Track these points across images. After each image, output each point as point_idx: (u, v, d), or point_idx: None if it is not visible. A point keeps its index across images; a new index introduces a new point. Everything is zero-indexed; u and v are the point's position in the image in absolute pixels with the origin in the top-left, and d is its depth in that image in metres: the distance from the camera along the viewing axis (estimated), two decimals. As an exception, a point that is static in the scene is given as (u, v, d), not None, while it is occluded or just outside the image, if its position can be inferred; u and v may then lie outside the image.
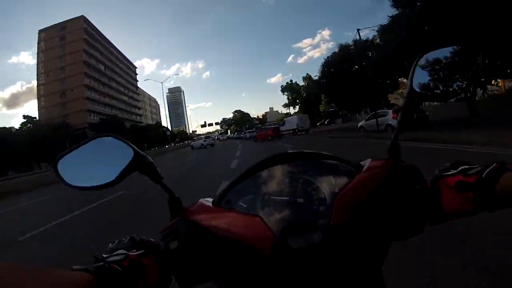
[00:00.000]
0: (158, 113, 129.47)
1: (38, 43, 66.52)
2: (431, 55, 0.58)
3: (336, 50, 29.48)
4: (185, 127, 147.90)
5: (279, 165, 0.62)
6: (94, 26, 71.29)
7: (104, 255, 0.46)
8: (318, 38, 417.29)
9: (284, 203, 0.54)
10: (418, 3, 14.28)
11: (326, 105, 56.16)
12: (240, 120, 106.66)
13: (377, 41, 24.34)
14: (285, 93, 69.36)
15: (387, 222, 0.50)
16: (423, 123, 14.12)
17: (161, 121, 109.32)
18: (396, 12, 16.56)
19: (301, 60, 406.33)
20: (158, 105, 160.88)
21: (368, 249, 0.49)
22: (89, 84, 63.37)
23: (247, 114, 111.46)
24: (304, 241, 0.46)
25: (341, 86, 26.69)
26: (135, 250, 0.48)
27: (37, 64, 65.74)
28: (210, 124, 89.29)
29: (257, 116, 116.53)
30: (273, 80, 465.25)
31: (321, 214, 0.50)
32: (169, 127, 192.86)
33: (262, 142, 27.84)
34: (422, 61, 0.58)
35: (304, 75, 67.82)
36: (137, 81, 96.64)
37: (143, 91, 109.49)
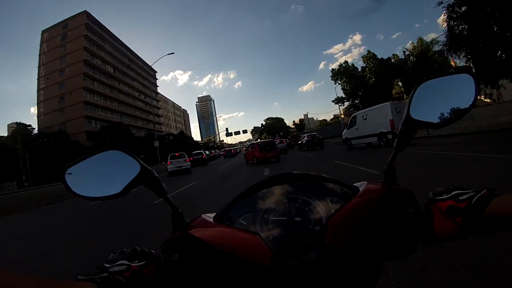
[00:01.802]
0: (183, 122, 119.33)
1: (40, 44, 58.31)
2: (429, 84, 0.60)
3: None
4: (214, 137, 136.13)
5: (278, 185, 0.64)
6: (100, 23, 61.80)
7: (107, 265, 0.48)
8: (349, 43, 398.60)
9: (282, 222, 0.56)
10: None
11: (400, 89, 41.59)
12: (272, 126, 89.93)
13: None
14: (338, 80, 52.18)
15: (380, 243, 0.51)
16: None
17: (186, 131, 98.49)
18: None
19: (333, 67, 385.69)
20: (185, 113, 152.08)
21: (362, 269, 0.51)
22: (90, 86, 53.07)
23: (280, 119, 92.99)
24: (300, 259, 0.48)
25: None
26: (136, 261, 0.50)
27: (38, 67, 57.13)
28: (237, 133, 74.29)
29: (294, 122, 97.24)
30: (305, 88, 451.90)
31: (316, 234, 0.52)
32: (200, 137, 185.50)
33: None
34: (420, 89, 0.59)
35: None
36: (157, 86, 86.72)
37: (166, 98, 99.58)
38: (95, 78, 55.04)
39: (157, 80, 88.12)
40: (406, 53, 36.89)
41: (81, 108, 50.79)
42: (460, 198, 0.48)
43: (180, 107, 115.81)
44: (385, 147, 14.39)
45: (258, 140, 23.32)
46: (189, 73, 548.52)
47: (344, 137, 18.82)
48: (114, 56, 63.31)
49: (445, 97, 0.59)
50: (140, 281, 0.48)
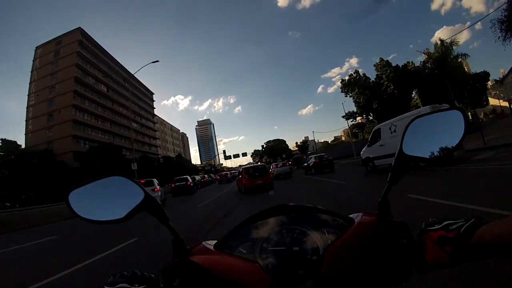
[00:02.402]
0: (181, 145, 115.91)
1: (33, 60, 55.89)
2: (421, 120, 0.62)
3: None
4: (214, 161, 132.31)
5: (277, 216, 0.66)
6: (94, 41, 59.82)
7: (106, 287, 0.49)
8: (346, 66, 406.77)
9: (280, 252, 0.58)
10: None
11: (419, 100, 37.79)
12: (273, 149, 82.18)
13: None
14: (349, 92, 46.68)
15: (375, 273, 0.53)
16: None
17: (186, 154, 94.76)
18: None
19: (331, 90, 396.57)
20: (184, 137, 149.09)
21: None
22: (81, 105, 50.00)
23: (282, 141, 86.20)
24: (297, 287, 0.50)
25: None
26: (137, 285, 0.51)
27: (29, 84, 54.33)
28: (237, 156, 69.69)
29: (296, 143, 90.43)
30: (304, 111, 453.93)
31: (313, 263, 0.54)
32: (199, 161, 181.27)
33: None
34: (412, 125, 0.62)
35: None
36: (153, 108, 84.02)
37: (164, 120, 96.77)
38: (86, 97, 52.13)
39: (154, 102, 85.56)
40: (423, 58, 33.80)
41: (69, 126, 47.39)
42: (450, 228, 0.50)
43: (179, 130, 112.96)
44: (424, 166, 9.95)
45: (240, 165, 18.78)
46: (190, 97, 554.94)
47: (363, 157, 14.71)
48: (107, 74, 60.82)
49: (436, 133, 0.60)
50: None
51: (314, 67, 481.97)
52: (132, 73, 70.49)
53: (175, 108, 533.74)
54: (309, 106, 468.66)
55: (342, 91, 47.58)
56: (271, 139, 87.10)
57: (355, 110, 47.66)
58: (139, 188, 0.60)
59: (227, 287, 0.49)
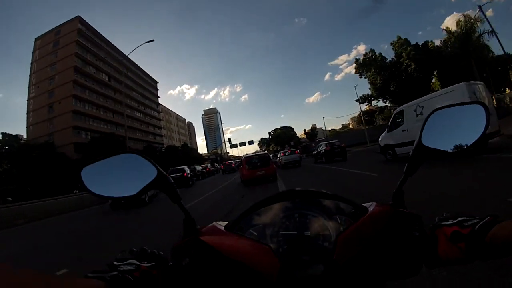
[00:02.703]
0: (187, 135, 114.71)
1: (32, 52, 54.60)
2: (441, 112, 0.61)
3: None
4: (221, 149, 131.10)
5: (291, 200, 0.66)
6: (94, 29, 58.02)
7: (116, 263, 0.48)
8: (354, 53, 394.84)
9: (292, 236, 0.58)
10: None
11: (438, 83, 34.05)
12: (281, 136, 77.94)
13: None
14: (364, 73, 41.84)
15: (385, 263, 0.52)
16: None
17: (192, 143, 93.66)
18: None
19: (338, 77, 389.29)
20: (191, 126, 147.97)
21: (365, 285, 0.51)
22: (81, 95, 48.69)
23: (290, 128, 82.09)
24: (308, 272, 0.49)
25: None
26: (146, 262, 0.50)
27: (29, 76, 53.16)
28: (243, 144, 67.60)
29: (305, 130, 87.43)
30: (312, 99, 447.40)
31: (325, 249, 0.54)
32: (206, 150, 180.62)
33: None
34: (432, 117, 0.61)
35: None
36: (158, 97, 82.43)
37: (169, 110, 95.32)
38: (86, 86, 50.76)
39: (158, 91, 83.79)
40: (443, 37, 30.79)
41: (69, 117, 46.24)
42: (465, 224, 0.49)
43: (185, 119, 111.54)
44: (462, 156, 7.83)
45: (246, 153, 16.70)
46: (196, 87, 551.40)
47: (382, 144, 12.68)
48: (109, 64, 59.25)
49: (457, 126, 0.59)
50: (149, 281, 0.48)
51: (321, 54, 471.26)
52: (131, 59, 68.77)
53: (181, 97, 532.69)
54: (316, 94, 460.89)
55: (356, 72, 43.18)
56: (278, 127, 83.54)
57: (369, 93, 43.76)
58: (153, 166, 0.60)
59: (236, 268, 0.49)
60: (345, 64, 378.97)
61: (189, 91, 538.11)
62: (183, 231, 0.59)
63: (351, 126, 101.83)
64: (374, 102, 45.58)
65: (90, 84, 51.62)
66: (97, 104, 52.41)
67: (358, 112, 50.44)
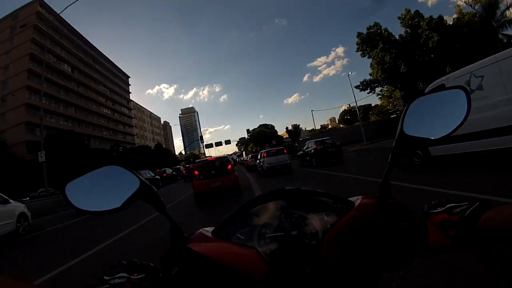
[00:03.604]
0: (162, 134, 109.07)
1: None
2: (423, 100, 0.61)
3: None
4: (199, 151, 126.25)
5: (275, 200, 0.65)
6: (57, 14, 51.57)
7: (106, 277, 0.49)
8: (332, 55, 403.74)
9: (279, 237, 0.58)
10: None
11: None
12: (261, 135, 69.54)
13: None
14: (368, 51, 34.15)
15: (376, 256, 0.52)
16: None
17: (169, 144, 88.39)
18: None
19: (316, 79, 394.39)
20: (168, 126, 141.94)
21: (357, 282, 0.51)
22: (37, 86, 42.92)
23: (270, 126, 75.83)
24: (296, 273, 0.49)
25: None
26: (136, 274, 0.51)
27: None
28: (219, 144, 61.58)
29: (287, 128, 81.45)
30: (290, 100, 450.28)
31: (312, 248, 0.53)
32: (183, 151, 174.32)
33: None
34: (413, 105, 0.61)
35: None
36: (129, 93, 76.94)
37: (142, 107, 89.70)
38: (44, 77, 44.98)
39: (130, 86, 78.24)
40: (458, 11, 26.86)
41: (22, 112, 40.61)
42: (454, 211, 0.49)
43: (159, 118, 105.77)
44: None
45: (232, 153, 12.27)
46: (175, 86, 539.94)
47: None
48: (73, 54, 53.63)
49: (439, 112, 0.59)
50: None
51: (300, 56, 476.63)
52: (100, 50, 62.85)
53: (160, 97, 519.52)
54: (295, 95, 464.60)
55: (358, 50, 35.18)
56: (257, 127, 77.17)
57: (370, 79, 36.68)
58: (135, 177, 0.60)
59: (225, 274, 0.50)
60: (323, 65, 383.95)
61: (168, 91, 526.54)
62: (170, 240, 0.58)
63: (330, 126, 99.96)
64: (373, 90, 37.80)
65: (49, 74, 45.90)
66: (57, 98, 46.74)
67: (346, 106, 46.26)
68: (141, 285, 0.49)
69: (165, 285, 0.53)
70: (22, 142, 38.85)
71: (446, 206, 0.51)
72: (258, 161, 19.08)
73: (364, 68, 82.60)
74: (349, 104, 45.56)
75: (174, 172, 32.22)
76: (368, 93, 37.59)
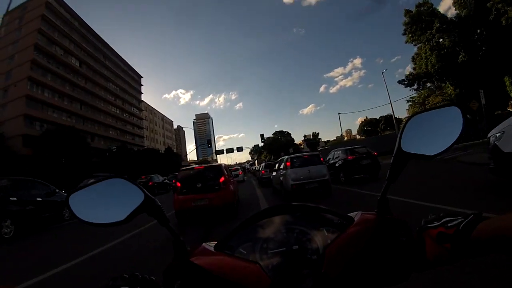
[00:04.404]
0: (174, 138, 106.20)
1: (-2, 29, 46.35)
2: (419, 117, 0.63)
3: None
4: (211, 157, 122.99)
5: (277, 215, 0.66)
6: (67, 6, 49.99)
7: None
8: (349, 66, 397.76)
9: (281, 251, 0.58)
10: None
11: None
12: (276, 142, 64.73)
13: None
14: (420, 34, 27.72)
15: (375, 271, 0.53)
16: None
17: (182, 149, 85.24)
18: None
19: (333, 90, 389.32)
20: (180, 130, 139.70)
21: None
22: (40, 78, 40.41)
23: (287, 133, 69.69)
24: (297, 287, 0.50)
25: None
26: (138, 287, 0.52)
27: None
28: (230, 150, 57.03)
29: (305, 136, 73.83)
30: (306, 111, 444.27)
31: (314, 263, 0.55)
32: (196, 157, 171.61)
33: None
34: (411, 123, 0.62)
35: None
36: (141, 93, 74.39)
37: (154, 109, 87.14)
38: (49, 69, 42.46)
39: (142, 87, 75.70)
40: None
41: (22, 104, 37.82)
42: (449, 224, 0.50)
43: (172, 121, 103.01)
44: None
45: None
46: (191, 92, 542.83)
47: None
48: (83, 48, 51.28)
49: (435, 129, 0.61)
50: None
51: (317, 66, 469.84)
52: (113, 48, 60.22)
53: (176, 102, 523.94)
54: (310, 106, 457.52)
55: (406, 32, 28.67)
56: (272, 135, 70.85)
57: (412, 73, 30.24)
58: (139, 190, 0.60)
59: None
60: (340, 76, 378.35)
61: (184, 96, 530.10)
62: (173, 254, 0.59)
63: (346, 138, 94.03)
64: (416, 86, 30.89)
65: (54, 67, 43.33)
66: (61, 92, 44.03)
67: (362, 119, 40.15)
68: None
69: None
70: (19, 136, 35.89)
71: (442, 220, 0.52)
72: (275, 173, 12.44)
73: (381, 80, 76.35)
74: (366, 116, 39.85)
75: (166, 180, 27.35)
76: (415, 89, 30.94)
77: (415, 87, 30.13)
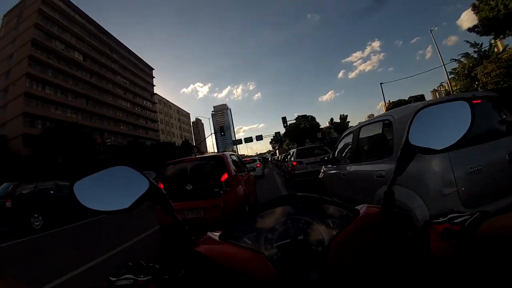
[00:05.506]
0: (191, 131, 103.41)
1: (-2, 29, 44.37)
2: (427, 110, 0.62)
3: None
4: (232, 149, 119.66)
5: (283, 206, 0.66)
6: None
7: (112, 278, 0.49)
8: (368, 50, 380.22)
9: (286, 242, 0.58)
10: None
11: None
12: (298, 129, 55.03)
13: None
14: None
15: (379, 264, 0.53)
16: None
17: (201, 142, 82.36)
18: None
19: (352, 75, 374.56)
20: (199, 122, 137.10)
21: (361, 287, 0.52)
22: (40, 75, 37.85)
23: (311, 118, 59.55)
24: (303, 278, 0.49)
25: None
26: (142, 276, 0.51)
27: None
28: (249, 140, 52.00)
29: (332, 120, 65.54)
30: (325, 97, 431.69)
31: (319, 254, 0.54)
32: (216, 149, 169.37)
33: None
34: (418, 116, 0.61)
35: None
36: (153, 86, 71.29)
37: (168, 102, 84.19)
38: (49, 65, 39.88)
39: (154, 79, 72.60)
40: None
41: (20, 102, 35.47)
42: (455, 221, 0.50)
43: (189, 114, 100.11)
44: None
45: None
46: (209, 85, 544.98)
47: None
48: (86, 41, 48.45)
49: (443, 123, 0.60)
50: None
51: (334, 52, 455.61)
52: (120, 41, 56.91)
53: (194, 96, 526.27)
54: (329, 92, 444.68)
55: (477, 11, 20.29)
56: (294, 120, 60.63)
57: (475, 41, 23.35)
58: (144, 178, 0.59)
59: (232, 277, 0.49)
60: (359, 61, 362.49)
61: (202, 89, 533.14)
62: (178, 242, 0.59)
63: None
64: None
65: (54, 62, 40.69)
66: (64, 88, 41.52)
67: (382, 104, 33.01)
68: (147, 287, 0.49)
69: (172, 287, 0.52)
70: (19, 136, 33.65)
71: (448, 216, 0.52)
72: (325, 171, 5.80)
73: (402, 63, 66.48)
74: (389, 100, 33.28)
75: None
76: (495, 39, 21.54)
77: (491, 36, 20.93)
